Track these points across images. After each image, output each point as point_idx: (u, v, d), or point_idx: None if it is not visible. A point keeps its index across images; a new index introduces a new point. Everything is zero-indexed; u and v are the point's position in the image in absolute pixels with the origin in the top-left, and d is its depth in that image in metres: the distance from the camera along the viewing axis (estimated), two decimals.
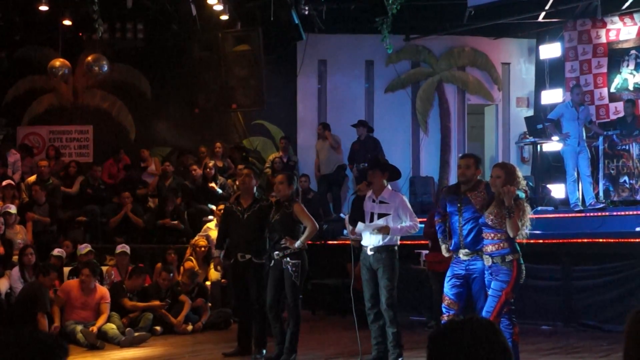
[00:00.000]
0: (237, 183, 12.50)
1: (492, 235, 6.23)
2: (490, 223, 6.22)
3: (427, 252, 9.92)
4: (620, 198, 11.33)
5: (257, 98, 13.93)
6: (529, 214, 6.24)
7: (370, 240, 7.29)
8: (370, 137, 13.37)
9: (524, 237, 6.17)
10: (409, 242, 9.59)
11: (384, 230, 7.12)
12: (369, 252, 7.28)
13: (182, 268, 10.57)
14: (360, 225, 7.28)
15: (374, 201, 7.35)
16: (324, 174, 13.74)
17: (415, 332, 9.30)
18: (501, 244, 6.20)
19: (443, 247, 6.79)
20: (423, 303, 10.47)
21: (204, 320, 10.03)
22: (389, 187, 7.49)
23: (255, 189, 8.34)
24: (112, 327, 9.04)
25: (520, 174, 6.36)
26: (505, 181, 6.15)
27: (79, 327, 8.90)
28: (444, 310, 6.59)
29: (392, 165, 7.77)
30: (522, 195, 6.19)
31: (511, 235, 6.12)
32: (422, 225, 10.24)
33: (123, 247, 10.65)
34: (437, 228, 6.94)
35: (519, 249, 6.25)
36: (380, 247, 7.23)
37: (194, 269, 10.47)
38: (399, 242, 7.38)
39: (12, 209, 10.73)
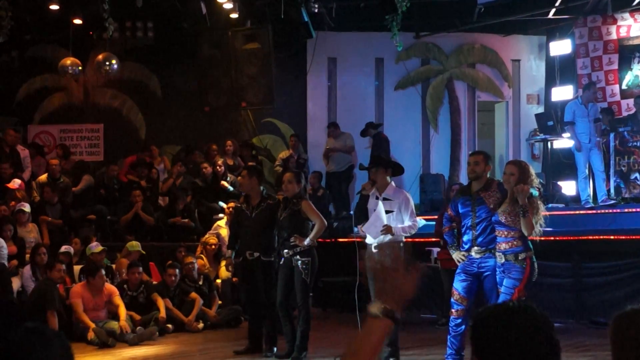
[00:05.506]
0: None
1: (505, 233, 6.22)
2: (503, 221, 6.21)
3: (438, 249, 9.90)
4: (632, 195, 11.27)
5: (267, 96, 13.92)
6: (543, 212, 6.23)
7: (374, 237, 7.27)
8: (380, 135, 13.34)
9: (537, 234, 6.16)
10: (419, 240, 9.58)
11: (387, 230, 7.11)
12: (374, 250, 7.27)
13: None
14: (365, 225, 7.27)
15: (377, 198, 7.36)
16: (333, 171, 13.75)
17: (425, 330, 9.29)
18: (514, 242, 6.19)
19: (454, 254, 6.76)
20: (433, 300, 10.45)
21: (215, 309, 10.13)
22: (393, 184, 7.49)
23: (262, 187, 8.35)
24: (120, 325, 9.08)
25: (533, 171, 6.36)
26: (519, 178, 6.15)
27: (91, 326, 8.92)
28: (453, 305, 6.59)
29: (394, 161, 7.78)
30: (535, 193, 6.18)
31: (526, 234, 6.11)
32: (433, 223, 10.25)
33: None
34: (445, 236, 6.94)
35: (531, 246, 6.24)
36: (384, 244, 7.20)
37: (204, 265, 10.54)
38: (404, 239, 7.37)
39: (26, 208, 10.73)
